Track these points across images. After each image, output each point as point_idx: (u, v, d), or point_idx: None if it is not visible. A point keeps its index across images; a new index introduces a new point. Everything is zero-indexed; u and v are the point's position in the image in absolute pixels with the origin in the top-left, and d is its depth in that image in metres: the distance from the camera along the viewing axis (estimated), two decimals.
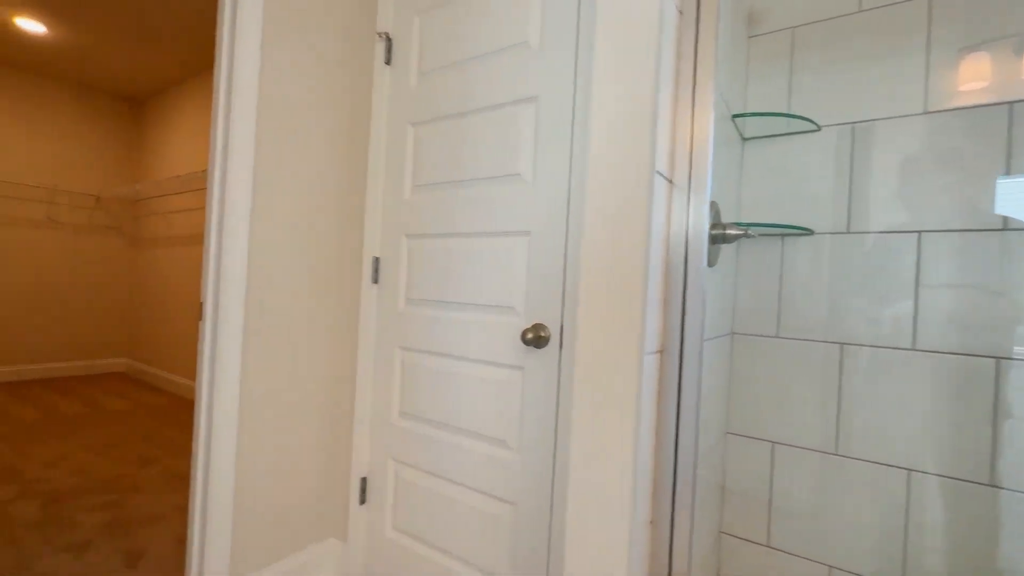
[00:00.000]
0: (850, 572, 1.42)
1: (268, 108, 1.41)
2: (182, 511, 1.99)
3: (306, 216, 1.53)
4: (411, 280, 1.46)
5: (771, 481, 1.55)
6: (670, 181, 1.03)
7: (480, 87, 1.32)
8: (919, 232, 1.36)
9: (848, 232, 1.46)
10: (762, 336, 1.57)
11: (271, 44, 1.41)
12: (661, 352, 1.03)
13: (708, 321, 1.24)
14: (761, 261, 1.58)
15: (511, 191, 1.25)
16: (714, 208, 1.25)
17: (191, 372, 3.78)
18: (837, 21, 1.48)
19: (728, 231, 1.19)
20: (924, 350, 1.35)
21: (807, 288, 1.51)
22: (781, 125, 1.53)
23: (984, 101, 1.29)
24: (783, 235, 1.55)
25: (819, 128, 1.50)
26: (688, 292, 0.95)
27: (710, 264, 1.11)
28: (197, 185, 3.72)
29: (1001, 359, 1.26)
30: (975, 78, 1.31)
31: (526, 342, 1.15)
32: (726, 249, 1.51)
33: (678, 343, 0.96)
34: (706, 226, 0.95)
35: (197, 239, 3.77)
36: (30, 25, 3.15)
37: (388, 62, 1.54)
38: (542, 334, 1.16)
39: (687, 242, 0.97)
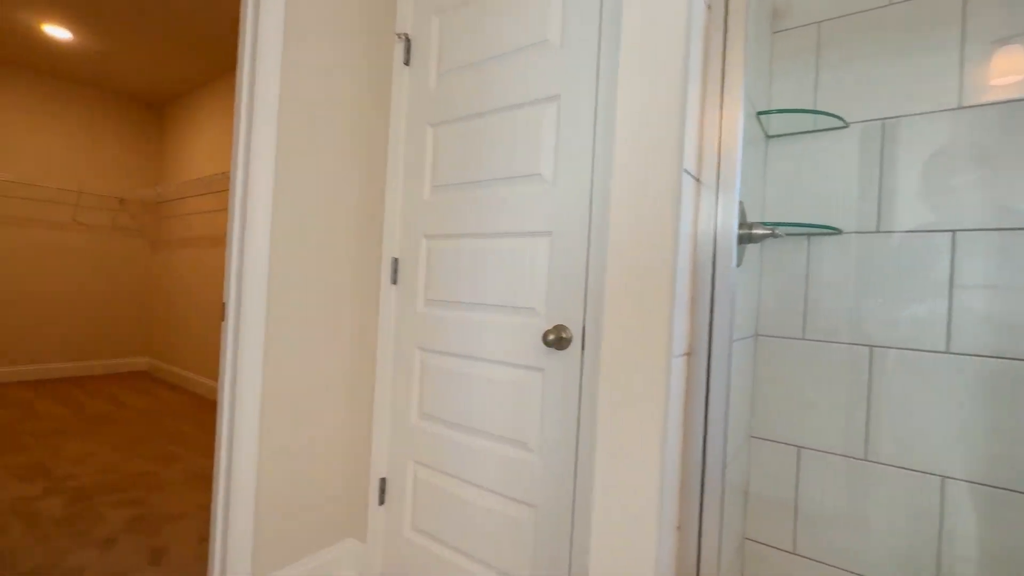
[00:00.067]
0: None
1: (289, 110, 1.42)
2: (204, 509, 2.02)
3: (326, 217, 1.54)
4: (430, 281, 1.46)
5: (797, 486, 1.51)
6: (698, 180, 1.01)
7: (500, 86, 1.31)
8: (953, 231, 1.32)
9: (878, 231, 1.42)
10: (787, 338, 1.54)
11: (291, 46, 1.42)
12: (689, 354, 1.01)
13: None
14: (786, 261, 1.55)
15: (532, 191, 1.24)
16: (740, 207, 1.22)
17: (209, 371, 3.84)
18: (866, 15, 1.45)
19: (754, 231, 1.16)
20: (959, 353, 1.30)
21: (834, 289, 1.47)
22: (806, 122, 1.50)
23: (1022, 95, 1.25)
24: (809, 235, 1.51)
25: (847, 125, 1.46)
26: (716, 293, 0.93)
27: (737, 264, 1.09)
28: (217, 187, 3.78)
29: None
30: (1012, 71, 1.27)
31: (547, 343, 1.14)
32: (750, 249, 1.48)
33: (706, 345, 0.94)
34: (735, 225, 0.93)
35: (215, 241, 3.83)
36: (57, 32, 3.23)
37: (407, 63, 1.54)
38: (563, 335, 1.15)
39: (715, 242, 0.95)
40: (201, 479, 2.32)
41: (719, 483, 0.92)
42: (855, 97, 1.46)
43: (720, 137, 0.95)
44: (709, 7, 1.01)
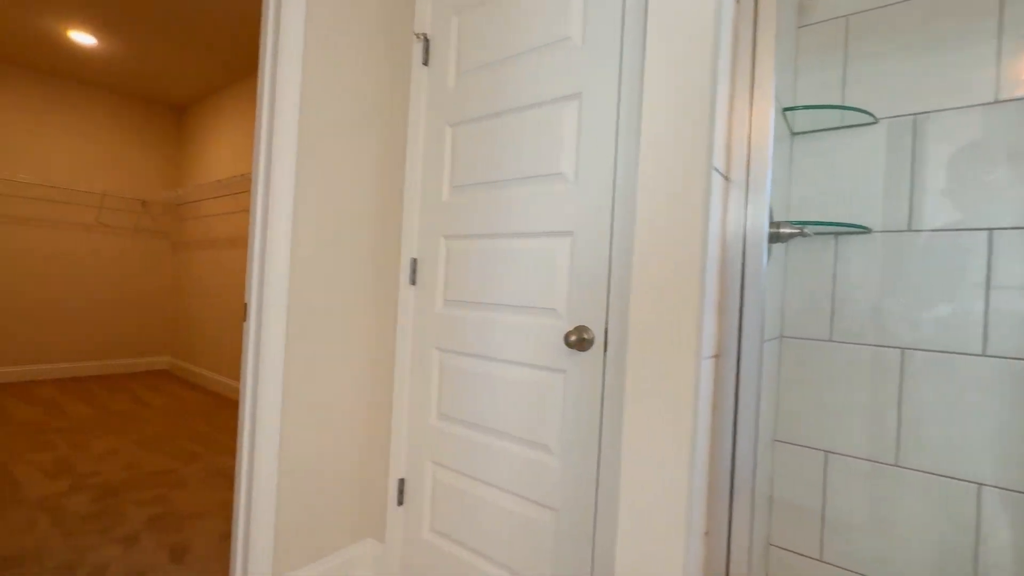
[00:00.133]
0: None
1: (309, 112, 1.43)
2: (225, 507, 2.04)
3: (345, 217, 1.54)
4: (449, 281, 1.45)
5: (824, 492, 1.47)
6: (727, 178, 0.99)
7: (520, 85, 1.30)
8: (990, 229, 1.27)
9: (908, 230, 1.37)
10: (814, 340, 1.50)
11: (312, 49, 1.42)
12: (717, 356, 0.99)
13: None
14: (813, 261, 1.51)
15: (553, 191, 1.22)
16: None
17: (229, 370, 3.89)
18: (896, 7, 1.40)
19: (782, 230, 1.14)
20: (996, 356, 1.26)
21: (863, 290, 1.43)
22: (834, 118, 1.46)
23: None
24: (836, 234, 1.47)
25: (876, 120, 1.42)
26: (746, 294, 0.90)
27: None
28: (236, 189, 3.83)
29: None
30: None
31: (569, 344, 1.12)
32: (776, 249, 1.45)
33: (735, 347, 0.91)
34: (766, 224, 0.90)
35: (235, 242, 3.88)
36: (82, 37, 3.30)
37: (426, 63, 1.54)
38: (585, 336, 1.13)
39: (745, 241, 0.93)
40: (221, 477, 2.35)
41: (749, 489, 0.90)
42: (884, 92, 1.41)
43: (750, 134, 0.92)
44: (738, 0, 0.99)
